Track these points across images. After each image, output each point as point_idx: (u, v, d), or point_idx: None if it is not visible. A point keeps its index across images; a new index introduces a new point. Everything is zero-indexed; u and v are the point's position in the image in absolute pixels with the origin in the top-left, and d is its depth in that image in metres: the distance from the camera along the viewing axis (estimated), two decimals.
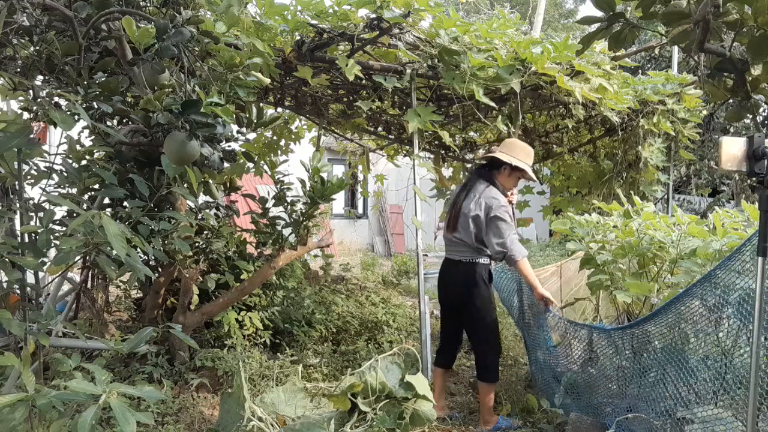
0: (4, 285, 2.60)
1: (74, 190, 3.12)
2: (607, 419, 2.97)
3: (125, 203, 3.33)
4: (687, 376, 2.52)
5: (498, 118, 4.44)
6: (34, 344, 2.45)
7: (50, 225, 2.48)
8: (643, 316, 2.88)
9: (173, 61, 2.89)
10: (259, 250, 4.65)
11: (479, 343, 3.74)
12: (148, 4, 3.23)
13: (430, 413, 3.15)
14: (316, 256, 5.52)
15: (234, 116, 3.42)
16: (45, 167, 2.82)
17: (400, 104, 5.19)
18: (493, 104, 4.02)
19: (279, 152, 5.94)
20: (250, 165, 4.49)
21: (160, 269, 4.03)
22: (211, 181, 3.44)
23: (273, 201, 4.39)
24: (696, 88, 5.07)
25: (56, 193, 2.97)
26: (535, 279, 3.55)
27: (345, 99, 5.29)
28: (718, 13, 1.93)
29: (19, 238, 2.50)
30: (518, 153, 3.68)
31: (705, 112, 5.44)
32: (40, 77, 3.42)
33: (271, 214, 4.47)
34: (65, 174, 3.00)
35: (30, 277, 2.76)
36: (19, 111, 3.00)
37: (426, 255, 8.29)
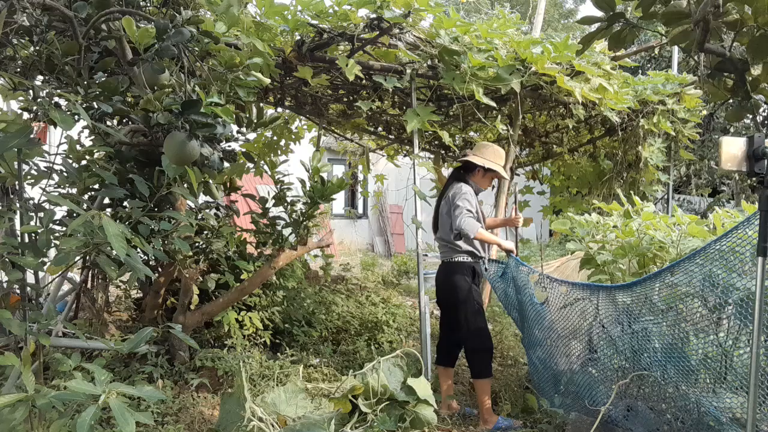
0: (4, 285, 2.60)
1: (74, 190, 3.13)
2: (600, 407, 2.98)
3: (125, 203, 3.33)
4: (687, 375, 2.52)
5: (497, 119, 4.44)
6: (34, 344, 2.45)
7: (50, 225, 2.49)
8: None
9: (173, 61, 2.89)
10: (259, 250, 4.64)
11: (468, 341, 3.81)
12: (148, 4, 3.23)
13: (430, 417, 3.15)
14: (316, 256, 5.52)
15: (234, 116, 3.42)
16: (45, 167, 2.82)
17: (400, 104, 5.19)
18: (493, 104, 4.02)
19: (279, 152, 5.93)
20: (250, 165, 4.49)
21: (160, 269, 4.03)
22: (211, 181, 3.44)
23: (273, 201, 4.39)
24: (696, 88, 5.06)
25: (56, 193, 2.97)
26: (495, 239, 3.84)
27: (345, 99, 5.29)
28: (718, 13, 1.92)
29: (19, 238, 2.50)
30: (489, 155, 3.91)
31: (705, 112, 5.44)
32: (40, 77, 3.42)
33: (271, 214, 4.47)
34: (65, 174, 3.01)
35: (30, 277, 2.76)
36: (19, 111, 3.00)
37: (426, 255, 8.30)
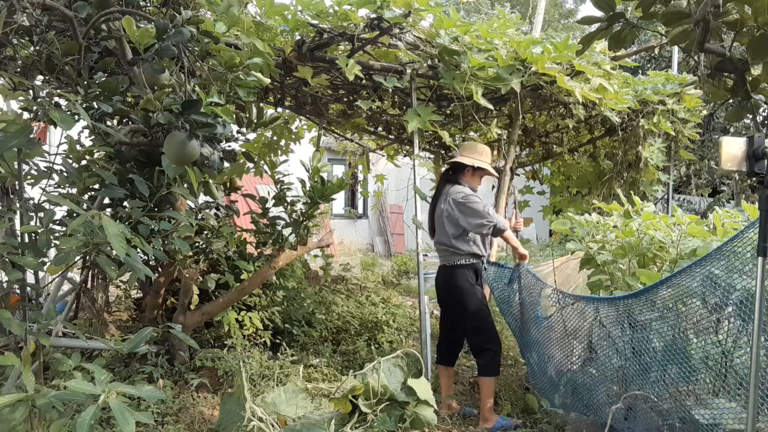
0: (4, 285, 2.60)
1: (74, 190, 3.12)
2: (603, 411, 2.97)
3: (125, 203, 3.33)
4: (687, 376, 2.52)
5: (493, 122, 4.45)
6: (34, 344, 2.45)
7: (50, 225, 2.49)
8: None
9: (173, 61, 2.89)
10: (259, 250, 4.64)
11: (475, 341, 3.83)
12: (148, 4, 3.23)
13: (430, 417, 3.15)
14: (316, 256, 5.52)
15: (234, 116, 3.42)
16: (45, 167, 2.82)
17: (400, 104, 5.19)
18: (490, 106, 4.03)
19: (279, 152, 5.93)
20: (250, 165, 4.49)
21: (160, 269, 4.03)
22: (211, 181, 3.44)
23: (273, 201, 4.39)
24: (696, 88, 5.06)
25: (56, 193, 2.97)
26: (517, 242, 3.86)
27: (345, 99, 5.29)
28: (718, 13, 1.92)
29: (19, 238, 2.50)
30: (477, 154, 3.94)
31: (705, 112, 5.43)
32: (40, 77, 3.42)
33: (271, 214, 4.46)
34: (65, 174, 3.01)
35: (30, 277, 2.76)
36: (19, 111, 3.00)
37: (426, 255, 8.29)
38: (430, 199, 4.06)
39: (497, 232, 3.74)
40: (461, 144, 4.22)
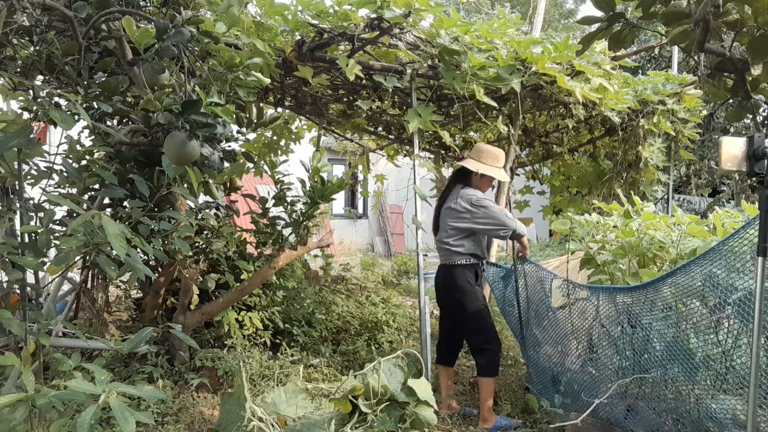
0: (4, 285, 2.60)
1: (74, 190, 3.12)
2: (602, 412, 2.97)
3: (125, 203, 3.33)
4: (687, 376, 2.52)
5: (498, 119, 4.44)
6: (34, 344, 2.45)
7: (50, 225, 2.49)
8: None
9: (173, 61, 2.89)
10: (259, 250, 4.64)
11: (475, 341, 3.83)
12: (148, 4, 3.23)
13: (430, 418, 3.15)
14: (316, 256, 5.52)
15: (234, 116, 3.42)
16: (45, 167, 2.82)
17: (400, 104, 5.19)
18: (494, 104, 4.02)
19: (279, 152, 5.93)
20: (250, 165, 4.49)
21: (160, 269, 4.03)
22: (211, 181, 3.44)
23: (273, 201, 4.39)
24: (696, 88, 5.06)
25: (56, 193, 2.97)
26: (527, 243, 3.91)
27: (345, 99, 5.29)
28: (718, 13, 1.92)
29: (19, 238, 2.50)
30: (486, 159, 3.90)
31: (705, 112, 5.43)
32: (40, 77, 3.42)
33: (271, 214, 4.47)
34: (65, 174, 3.01)
35: (30, 277, 2.76)
36: (19, 111, 3.00)
37: (426, 255, 8.30)
38: (430, 199, 4.06)
39: (516, 237, 3.78)
40: (474, 146, 4.17)
